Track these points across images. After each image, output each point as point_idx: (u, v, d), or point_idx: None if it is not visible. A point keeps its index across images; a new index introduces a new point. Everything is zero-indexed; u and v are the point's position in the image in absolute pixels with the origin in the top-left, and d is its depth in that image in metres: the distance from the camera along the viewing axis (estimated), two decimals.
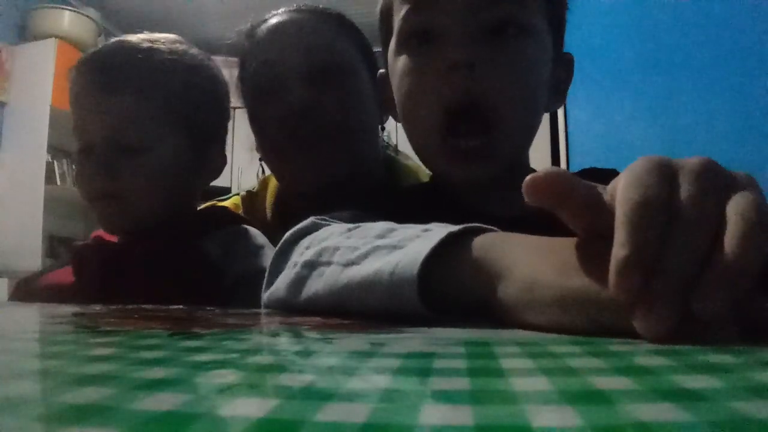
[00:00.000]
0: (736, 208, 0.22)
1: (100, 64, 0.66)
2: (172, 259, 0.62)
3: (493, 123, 0.49)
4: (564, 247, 0.28)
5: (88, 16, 2.96)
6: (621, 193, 0.23)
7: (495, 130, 0.49)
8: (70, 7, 2.92)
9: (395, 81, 0.54)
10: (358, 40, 0.77)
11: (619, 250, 0.22)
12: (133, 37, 0.69)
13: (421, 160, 0.56)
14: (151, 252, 0.63)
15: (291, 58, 0.71)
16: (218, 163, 0.76)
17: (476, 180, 0.51)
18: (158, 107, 0.66)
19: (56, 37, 2.78)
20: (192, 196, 0.76)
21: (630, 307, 0.22)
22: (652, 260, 0.21)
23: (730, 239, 0.21)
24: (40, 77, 2.73)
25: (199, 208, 0.78)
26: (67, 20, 2.87)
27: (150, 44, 0.68)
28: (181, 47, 0.71)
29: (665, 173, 0.24)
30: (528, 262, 0.28)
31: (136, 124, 0.65)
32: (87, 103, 0.66)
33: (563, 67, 0.58)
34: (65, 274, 0.69)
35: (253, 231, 0.71)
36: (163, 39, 0.71)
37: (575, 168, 0.62)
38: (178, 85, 0.68)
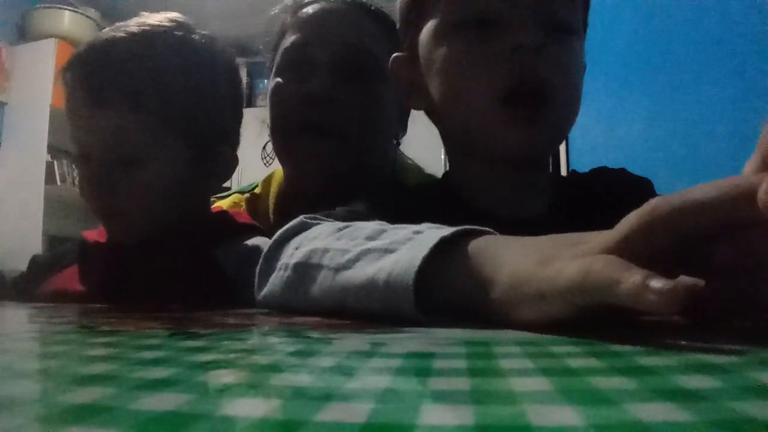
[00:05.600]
0: None
1: (87, 71, 0.60)
2: (185, 268, 0.59)
3: (549, 106, 0.49)
4: (547, 241, 0.28)
5: (88, 16, 2.96)
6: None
7: (549, 111, 0.49)
8: (70, 7, 2.92)
9: (439, 63, 0.52)
10: (396, 46, 0.77)
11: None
12: (122, 32, 0.61)
13: (466, 136, 0.54)
14: (163, 259, 0.60)
15: (327, 48, 0.70)
16: (228, 165, 0.70)
17: (531, 145, 0.50)
18: (153, 116, 0.60)
19: (56, 37, 2.79)
20: (201, 200, 0.72)
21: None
22: None
23: None
24: (40, 77, 2.73)
25: (211, 212, 0.75)
26: (67, 20, 2.88)
27: (143, 40, 0.61)
28: (179, 36, 0.63)
29: None
30: (512, 261, 0.28)
31: (129, 137, 0.59)
32: (78, 114, 0.61)
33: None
34: (72, 279, 0.66)
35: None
36: (163, 26, 0.63)
37: (575, 167, 0.62)
38: (175, 87, 0.61)
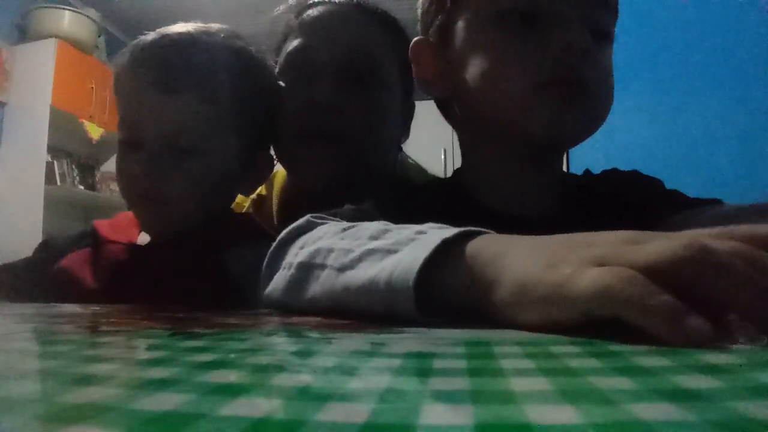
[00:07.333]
0: None
1: (158, 59, 0.61)
2: (193, 272, 0.59)
3: (586, 99, 0.50)
4: (553, 243, 0.28)
5: (88, 16, 2.96)
6: None
7: (586, 102, 0.50)
8: (70, 7, 2.92)
9: (481, 49, 0.52)
10: (403, 54, 0.76)
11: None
12: (187, 27, 0.64)
13: (501, 120, 0.52)
14: (173, 258, 0.60)
15: (330, 52, 0.70)
16: (266, 168, 0.71)
17: (564, 127, 0.50)
18: (216, 109, 0.62)
19: (56, 37, 2.78)
20: (231, 202, 0.73)
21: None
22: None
23: None
24: (40, 77, 2.73)
25: (234, 214, 0.75)
26: (67, 20, 2.87)
27: (208, 38, 0.64)
28: (238, 43, 0.67)
29: None
30: (517, 263, 0.28)
31: (193, 125, 0.61)
32: (141, 100, 0.61)
33: None
34: (81, 268, 0.66)
35: None
36: (222, 33, 0.66)
37: (575, 168, 0.62)
38: (238, 86, 0.64)
